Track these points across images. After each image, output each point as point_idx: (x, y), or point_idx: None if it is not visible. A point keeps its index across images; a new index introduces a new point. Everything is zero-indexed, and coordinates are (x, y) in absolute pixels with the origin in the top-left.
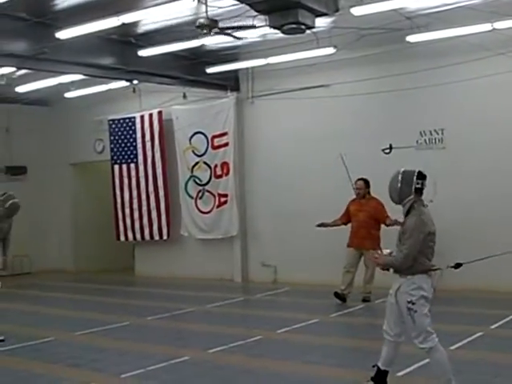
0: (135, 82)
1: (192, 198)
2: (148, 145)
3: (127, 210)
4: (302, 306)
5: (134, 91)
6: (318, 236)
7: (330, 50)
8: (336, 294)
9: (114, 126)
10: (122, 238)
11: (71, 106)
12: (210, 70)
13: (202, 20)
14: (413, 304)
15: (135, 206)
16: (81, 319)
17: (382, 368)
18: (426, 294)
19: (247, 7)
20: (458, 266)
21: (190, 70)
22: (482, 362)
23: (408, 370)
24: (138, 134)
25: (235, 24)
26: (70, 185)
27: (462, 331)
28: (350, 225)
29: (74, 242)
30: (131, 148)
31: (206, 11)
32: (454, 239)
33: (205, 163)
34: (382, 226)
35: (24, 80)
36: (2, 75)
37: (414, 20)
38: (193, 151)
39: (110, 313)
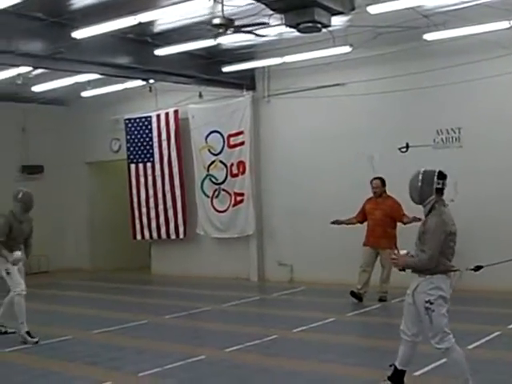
0: (151, 81)
1: (208, 196)
2: (164, 144)
3: (143, 209)
4: (318, 305)
5: (150, 90)
6: (334, 235)
7: (346, 49)
8: (352, 293)
9: (130, 125)
10: (139, 236)
11: (87, 106)
12: (226, 68)
13: (218, 19)
14: (431, 304)
15: (151, 204)
16: (98, 318)
17: (399, 368)
18: (445, 294)
19: (263, 6)
20: (478, 268)
21: (206, 69)
22: (500, 362)
23: (425, 369)
24: (155, 133)
25: (251, 22)
26: (87, 184)
27: (479, 331)
28: (366, 224)
29: (91, 240)
30: (147, 147)
31: (222, 10)
32: (471, 239)
33: (221, 162)
34: (399, 224)
35: (40, 79)
36: (19, 75)
37: (431, 18)
38: (209, 150)
39: (127, 311)
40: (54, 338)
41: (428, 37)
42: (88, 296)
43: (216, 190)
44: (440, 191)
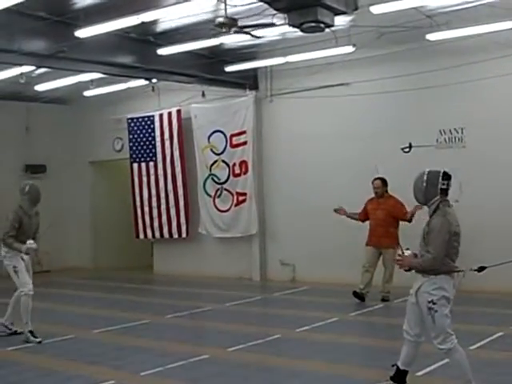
0: (154, 80)
1: (210, 196)
2: (167, 143)
3: (146, 208)
4: (320, 304)
5: (152, 90)
6: (336, 235)
7: (349, 49)
8: (355, 294)
9: (132, 124)
10: (141, 235)
11: (90, 105)
12: (229, 68)
13: (221, 18)
14: (433, 304)
15: (154, 204)
16: (100, 317)
17: (402, 368)
18: (448, 294)
19: (266, 5)
20: (481, 269)
21: (209, 68)
22: (502, 362)
23: (427, 369)
24: (157, 133)
25: (254, 22)
26: (89, 183)
27: (482, 331)
28: (368, 224)
29: (94, 239)
30: (150, 146)
31: (225, 10)
32: (474, 239)
33: (223, 162)
34: (402, 224)
35: (43, 78)
36: (22, 74)
37: (434, 18)
38: (211, 150)
39: (130, 311)
40: (56, 337)
41: (431, 37)
42: (90, 295)
43: (218, 190)
44: (445, 192)
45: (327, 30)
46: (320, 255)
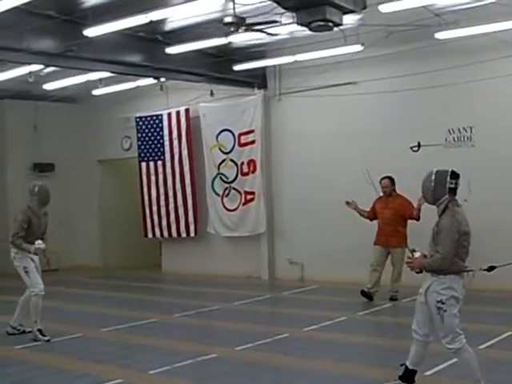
0: (162, 79)
1: (218, 195)
2: (175, 142)
3: (154, 207)
4: (328, 303)
5: (161, 89)
6: (345, 234)
7: (358, 48)
8: (363, 293)
9: (141, 123)
10: (150, 234)
11: (99, 104)
12: (238, 67)
13: (229, 17)
14: (442, 303)
15: (162, 203)
16: (108, 316)
17: (410, 367)
18: (457, 294)
19: (275, 4)
20: (491, 268)
21: (218, 67)
22: (511, 362)
23: (436, 369)
24: (166, 132)
25: (262, 21)
26: (98, 182)
27: (490, 331)
28: (376, 222)
29: (102, 238)
30: (158, 145)
31: (234, 8)
32: (483, 239)
33: (231, 161)
34: (411, 223)
35: (52, 77)
36: (30, 73)
37: (443, 17)
38: (220, 149)
39: (138, 309)
40: (64, 336)
41: (440, 35)
42: (98, 294)
43: (226, 189)
44: (453, 191)
45: (336, 28)
46: (328, 254)
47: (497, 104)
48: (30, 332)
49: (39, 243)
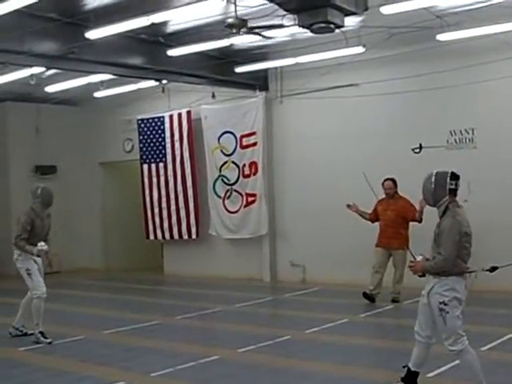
0: (164, 81)
1: (220, 197)
2: (177, 144)
3: (156, 209)
4: (330, 305)
5: (163, 91)
6: (347, 235)
7: (360, 49)
8: (365, 295)
9: (142, 125)
10: (152, 236)
11: (100, 106)
12: (239, 69)
13: (231, 20)
14: (445, 305)
15: (164, 205)
16: (110, 318)
17: (413, 369)
18: (459, 295)
19: (276, 6)
20: (493, 269)
21: (219, 69)
22: None
23: (438, 371)
24: (167, 134)
25: (264, 23)
26: (100, 184)
27: (492, 332)
28: (378, 224)
29: (104, 240)
30: (160, 147)
31: (235, 11)
32: (486, 240)
33: (233, 163)
34: (413, 225)
35: (53, 80)
36: (32, 75)
37: (445, 18)
38: (221, 151)
39: (140, 312)
40: (66, 338)
41: (441, 37)
42: (101, 296)
43: (228, 191)
44: (453, 192)
45: (337, 30)
46: (330, 256)
47: (499, 106)
48: (32, 334)
49: (42, 245)
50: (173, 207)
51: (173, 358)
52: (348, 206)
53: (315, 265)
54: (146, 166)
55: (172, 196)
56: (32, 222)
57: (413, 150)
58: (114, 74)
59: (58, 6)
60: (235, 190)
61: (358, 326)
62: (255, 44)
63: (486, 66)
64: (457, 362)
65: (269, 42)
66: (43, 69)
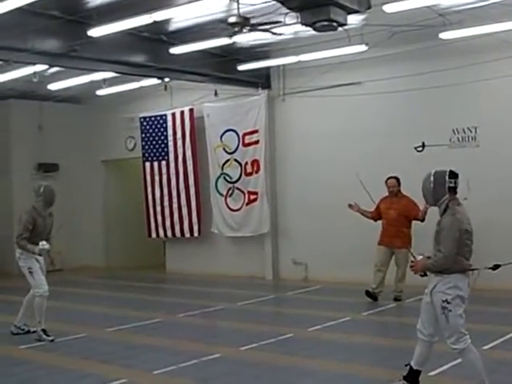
0: (166, 79)
1: (222, 195)
2: (179, 142)
3: (158, 208)
4: (333, 304)
5: (165, 89)
6: (349, 234)
7: (362, 48)
8: (367, 293)
9: (145, 123)
10: (154, 234)
11: (103, 104)
12: (242, 67)
13: (233, 18)
14: (448, 303)
15: (166, 203)
16: (112, 316)
17: (415, 367)
18: (462, 293)
19: (279, 4)
20: (496, 267)
21: (222, 67)
22: None
23: (440, 369)
24: (170, 132)
25: (266, 21)
26: (102, 182)
27: (495, 331)
28: (381, 223)
29: (106, 238)
30: (162, 145)
31: (238, 8)
32: (488, 238)
33: (235, 161)
34: (415, 224)
35: (56, 77)
36: (35, 73)
37: (447, 17)
38: (224, 149)
39: (142, 309)
40: (68, 336)
41: (444, 36)
42: (103, 294)
43: (230, 189)
44: (453, 190)
45: (340, 28)
46: (332, 254)
47: (501, 104)
48: (34, 332)
49: (43, 244)
50: (175, 205)
51: (175, 355)
52: (349, 205)
53: (317, 263)
54: (148, 164)
55: (174, 194)
56: (34, 221)
57: (415, 148)
58: (117, 72)
59: (61, 3)
60: (237, 188)
61: (360, 324)
62: (258, 42)
63: (489, 65)
64: (459, 360)
65: (271, 40)
66: (46, 66)
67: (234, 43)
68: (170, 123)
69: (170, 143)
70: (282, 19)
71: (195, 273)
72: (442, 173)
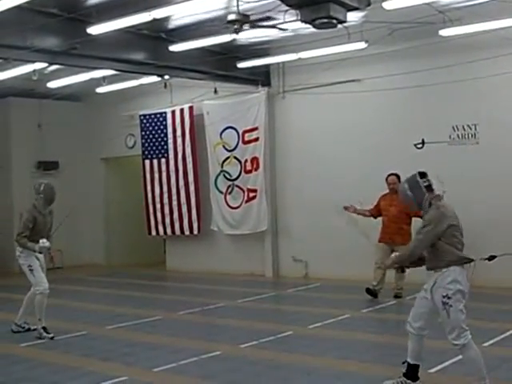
0: (166, 77)
1: (222, 193)
2: (179, 140)
3: (158, 205)
4: (333, 301)
5: (165, 86)
6: (349, 231)
7: (362, 45)
8: (367, 290)
9: (145, 121)
10: (154, 232)
11: (103, 101)
12: (241, 64)
13: (233, 15)
14: (448, 298)
15: (166, 200)
16: (112, 313)
17: (412, 362)
18: (462, 287)
19: (278, 2)
20: (491, 258)
21: (221, 64)
22: None
23: (440, 366)
24: (169, 129)
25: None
26: (102, 180)
27: (495, 328)
28: (381, 220)
29: (106, 236)
30: (162, 143)
31: (238, 6)
32: (486, 235)
33: (235, 158)
34: (415, 220)
35: (56, 75)
36: (34, 71)
37: (447, 14)
38: (223, 146)
39: (142, 307)
40: (69, 334)
41: (444, 33)
42: (103, 292)
43: (229, 186)
44: (429, 188)
45: (340, 26)
46: (333, 252)
47: (502, 101)
48: (34, 330)
49: (43, 242)
50: (175, 203)
51: (175, 353)
52: (345, 208)
53: (317, 260)
54: (148, 162)
55: (174, 191)
56: (34, 219)
57: (415, 145)
58: (116, 70)
59: (60, 1)
60: (237, 186)
61: (360, 321)
62: (257, 39)
63: (489, 62)
64: (459, 357)
65: (271, 37)
66: (45, 64)
67: (233, 41)
68: (169, 121)
69: (170, 141)
70: (281, 16)
71: (195, 270)
72: (413, 177)
